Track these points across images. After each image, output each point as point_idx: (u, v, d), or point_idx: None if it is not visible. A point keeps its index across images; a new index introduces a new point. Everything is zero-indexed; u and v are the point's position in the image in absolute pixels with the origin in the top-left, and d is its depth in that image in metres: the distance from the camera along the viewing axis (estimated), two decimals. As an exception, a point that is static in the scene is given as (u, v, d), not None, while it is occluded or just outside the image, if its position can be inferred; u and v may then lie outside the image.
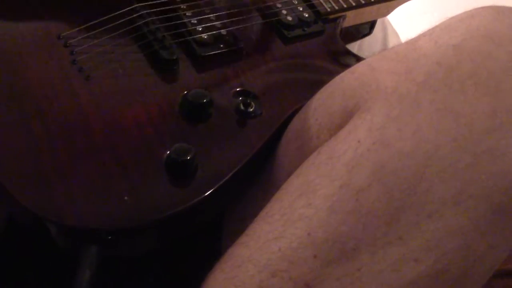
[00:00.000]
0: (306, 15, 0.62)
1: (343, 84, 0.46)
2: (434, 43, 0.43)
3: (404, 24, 0.95)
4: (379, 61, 0.45)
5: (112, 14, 0.55)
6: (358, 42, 0.76)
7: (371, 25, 0.72)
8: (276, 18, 0.61)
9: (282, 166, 0.49)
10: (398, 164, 0.40)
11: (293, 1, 0.64)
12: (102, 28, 0.54)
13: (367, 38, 0.74)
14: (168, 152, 0.47)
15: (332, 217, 0.40)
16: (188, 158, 0.47)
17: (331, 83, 0.48)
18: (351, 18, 0.67)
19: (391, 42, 0.82)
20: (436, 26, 0.45)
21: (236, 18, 0.60)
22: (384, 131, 0.41)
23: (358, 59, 0.62)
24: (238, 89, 0.54)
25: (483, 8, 0.45)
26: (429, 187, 0.39)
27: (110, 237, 0.45)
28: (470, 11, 0.45)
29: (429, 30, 0.46)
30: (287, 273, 0.41)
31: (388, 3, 0.69)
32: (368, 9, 0.67)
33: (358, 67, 0.47)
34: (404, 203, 0.39)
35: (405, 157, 0.39)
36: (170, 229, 0.49)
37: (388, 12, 0.73)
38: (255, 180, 0.53)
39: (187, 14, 0.58)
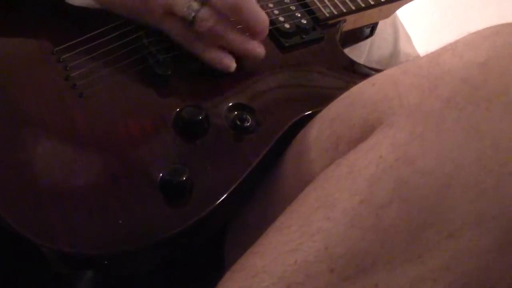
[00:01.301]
0: (305, 22, 0.60)
1: (363, 96, 0.46)
2: (459, 59, 0.43)
3: (404, 25, 0.94)
4: (402, 75, 0.44)
5: (105, 28, 0.54)
6: (368, 45, 0.75)
7: (372, 27, 0.71)
8: (274, 26, 0.59)
9: (294, 175, 0.49)
10: (420, 182, 0.39)
11: (291, 7, 0.62)
12: (96, 42, 0.53)
13: (376, 41, 0.73)
14: (162, 173, 0.46)
15: (351, 231, 0.40)
16: (183, 179, 0.46)
17: (349, 94, 0.48)
18: (351, 22, 0.66)
19: (402, 45, 0.81)
20: (458, 41, 0.45)
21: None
22: (408, 148, 0.40)
23: (359, 66, 0.61)
24: (233, 103, 0.53)
25: (506, 25, 0.45)
26: (451, 206, 0.39)
27: (106, 262, 0.45)
28: (494, 27, 0.45)
29: (451, 45, 0.45)
30: (303, 286, 0.40)
31: (389, 5, 0.68)
32: (368, 12, 0.66)
33: (378, 79, 0.46)
34: (425, 221, 0.39)
35: (428, 176, 0.39)
36: (167, 250, 0.48)
37: (389, 14, 0.72)
38: (259, 188, 0.52)
39: None
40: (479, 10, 1.32)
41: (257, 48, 0.56)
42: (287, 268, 0.41)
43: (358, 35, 0.71)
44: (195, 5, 0.52)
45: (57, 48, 0.52)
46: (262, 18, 0.54)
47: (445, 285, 0.39)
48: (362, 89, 0.46)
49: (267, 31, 0.56)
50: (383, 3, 0.66)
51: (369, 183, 0.40)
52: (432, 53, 0.45)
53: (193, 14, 0.52)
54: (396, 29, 0.80)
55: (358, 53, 0.74)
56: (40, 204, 0.44)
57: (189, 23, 0.53)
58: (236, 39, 0.54)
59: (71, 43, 0.53)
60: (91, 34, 0.53)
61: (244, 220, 0.54)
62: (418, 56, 0.46)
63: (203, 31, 0.53)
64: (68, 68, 0.51)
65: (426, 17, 1.36)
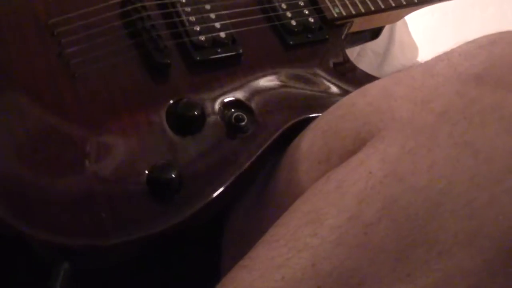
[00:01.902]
0: (312, 20, 0.59)
1: (355, 108, 0.44)
2: (453, 71, 0.41)
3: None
4: (394, 86, 0.43)
5: (107, 3, 0.51)
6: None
7: (378, 30, 0.70)
8: (280, 22, 0.58)
9: (287, 186, 0.48)
10: (411, 199, 0.38)
11: (300, 2, 0.60)
12: (95, 19, 0.50)
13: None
14: (151, 168, 0.45)
15: (339, 249, 0.39)
16: (171, 177, 0.45)
17: (341, 105, 0.46)
18: (358, 24, 0.64)
19: (398, 34, 0.80)
20: (454, 51, 0.44)
21: (238, 19, 0.56)
22: (398, 164, 0.39)
23: (360, 71, 0.59)
24: (231, 99, 0.51)
25: (504, 33, 0.43)
26: (441, 225, 0.38)
27: (82, 254, 0.44)
28: (491, 36, 0.43)
29: (446, 55, 0.44)
30: None
31: (399, 11, 0.67)
32: (377, 15, 0.65)
33: (370, 90, 0.45)
34: (414, 240, 0.38)
35: (418, 193, 0.38)
36: (147, 244, 0.47)
37: (398, 19, 0.71)
38: (257, 196, 0.51)
39: (185, 10, 0.54)
40: (479, 10, 1.31)
41: None
42: (274, 285, 0.40)
43: (363, 37, 0.70)
44: None
45: (53, 20, 0.49)
46: None
47: None
48: (354, 100, 0.45)
49: None
50: (393, 8, 0.65)
51: (357, 200, 0.39)
52: (426, 63, 0.44)
53: None
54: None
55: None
56: (20, 188, 0.43)
57: None
58: None
59: (68, 16, 0.50)
60: (91, 8, 0.51)
61: (239, 228, 0.53)
62: (412, 66, 0.45)
63: None
64: (62, 44, 0.49)
65: (426, 17, 1.35)
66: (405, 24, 0.84)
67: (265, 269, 0.41)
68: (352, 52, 0.76)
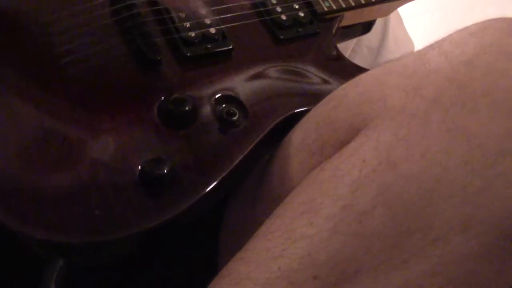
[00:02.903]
0: (302, 15, 0.59)
1: (347, 99, 0.44)
2: (444, 58, 0.41)
3: (404, 24, 0.93)
4: (386, 75, 0.43)
5: (98, 1, 0.52)
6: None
7: (369, 24, 0.70)
8: (270, 16, 0.58)
9: (282, 180, 0.48)
10: (405, 186, 0.38)
11: None
12: (86, 17, 0.51)
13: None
14: (143, 164, 0.45)
15: (334, 238, 0.39)
16: (163, 172, 0.44)
17: (333, 96, 0.46)
18: (349, 18, 0.64)
19: (392, 29, 0.80)
20: (445, 39, 0.44)
21: (228, 15, 0.57)
22: (391, 151, 0.39)
23: (351, 64, 0.59)
24: (222, 94, 0.51)
25: (495, 20, 0.43)
26: (436, 211, 0.37)
27: (77, 251, 0.44)
28: (481, 23, 0.43)
29: (437, 43, 0.44)
30: None
31: (389, 4, 0.67)
32: (367, 9, 0.65)
33: (362, 80, 0.45)
34: (410, 227, 0.38)
35: (412, 180, 0.38)
36: (141, 240, 0.47)
37: (388, 12, 0.70)
38: (253, 192, 0.51)
39: (176, 6, 0.54)
40: (479, 10, 1.31)
41: None
42: (270, 275, 0.40)
43: (353, 32, 0.69)
44: None
45: (43, 19, 0.50)
46: None
47: None
48: (347, 91, 0.45)
49: None
50: (383, 1, 0.65)
51: (351, 188, 0.39)
52: (418, 51, 0.44)
53: None
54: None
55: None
56: (12, 185, 0.43)
57: None
58: None
59: (59, 14, 0.50)
60: (81, 7, 0.51)
61: (235, 222, 0.53)
62: (404, 54, 0.45)
63: None
64: (54, 42, 0.49)
65: (426, 17, 1.35)
66: (400, 20, 0.84)
67: (261, 260, 0.41)
68: (347, 48, 0.76)
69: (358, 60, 0.75)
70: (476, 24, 0.43)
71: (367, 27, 0.69)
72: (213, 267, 0.52)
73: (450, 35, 0.43)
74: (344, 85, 0.46)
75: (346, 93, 0.45)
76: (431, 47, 0.44)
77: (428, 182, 0.38)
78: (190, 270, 0.56)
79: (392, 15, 0.79)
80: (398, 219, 0.38)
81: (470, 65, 0.40)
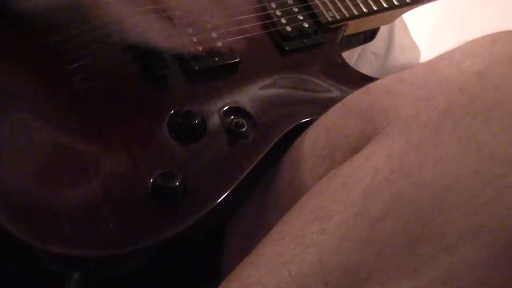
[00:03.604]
0: (306, 25, 0.60)
1: (359, 106, 0.45)
2: (456, 69, 0.42)
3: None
4: (397, 85, 0.44)
5: (104, 21, 0.52)
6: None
7: (373, 32, 0.71)
8: (275, 28, 0.59)
9: (291, 185, 0.48)
10: (417, 195, 0.38)
11: (294, 9, 0.61)
12: (95, 34, 0.52)
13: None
14: (155, 177, 0.46)
15: (345, 244, 0.39)
16: (175, 185, 0.45)
17: (345, 103, 0.47)
18: (353, 27, 0.65)
19: (398, 36, 0.80)
20: (455, 50, 0.44)
21: (234, 28, 0.57)
22: (404, 159, 0.39)
23: (357, 73, 0.60)
24: (230, 107, 0.52)
25: (504, 33, 0.44)
26: (447, 220, 0.38)
27: (92, 265, 0.44)
28: (492, 35, 0.44)
29: (447, 54, 0.44)
30: None
31: (392, 11, 0.68)
32: (371, 17, 0.66)
33: (373, 89, 0.45)
34: (421, 235, 0.38)
35: (424, 188, 0.38)
36: (155, 252, 0.47)
37: (391, 20, 0.71)
38: (261, 196, 0.51)
39: (182, 22, 0.55)
40: (479, 10, 1.31)
41: None
42: (280, 280, 0.40)
43: (358, 40, 0.70)
44: None
45: (55, 40, 0.51)
46: None
47: None
48: (358, 99, 0.46)
49: None
50: (386, 9, 0.65)
51: (364, 196, 0.40)
52: (428, 61, 0.45)
53: None
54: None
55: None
56: (28, 202, 0.43)
57: None
58: None
59: (69, 34, 0.51)
60: (91, 25, 0.52)
61: (241, 227, 0.53)
62: (414, 65, 0.45)
63: None
64: (64, 61, 0.50)
65: (426, 17, 1.35)
66: (405, 27, 0.84)
67: (271, 265, 0.41)
68: (353, 55, 0.76)
69: (364, 67, 0.76)
70: (486, 36, 0.44)
71: (371, 35, 0.70)
72: (216, 270, 0.53)
73: (461, 46, 0.44)
74: (356, 93, 0.47)
75: (358, 101, 0.45)
76: (441, 57, 0.44)
77: (440, 191, 0.38)
78: (193, 273, 0.57)
79: (397, 22, 0.79)
80: (409, 227, 0.38)
81: (482, 76, 0.40)
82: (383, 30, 0.77)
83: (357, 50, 0.75)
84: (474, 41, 0.44)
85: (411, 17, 0.98)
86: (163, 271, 0.54)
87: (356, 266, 0.39)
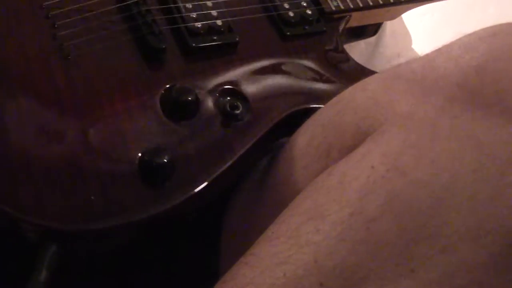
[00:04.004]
0: (309, 12, 0.59)
1: (354, 102, 0.44)
2: (454, 63, 0.41)
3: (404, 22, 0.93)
4: (394, 80, 0.43)
5: None
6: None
7: (377, 27, 0.70)
8: (277, 12, 0.58)
9: (286, 183, 0.47)
10: (413, 194, 0.38)
11: None
12: (90, 2, 0.50)
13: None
14: (143, 152, 0.44)
15: (341, 245, 0.39)
16: (163, 161, 0.44)
17: (340, 99, 0.46)
18: (357, 19, 0.64)
19: (389, 23, 0.79)
20: (454, 43, 0.43)
21: (235, 8, 0.56)
22: (400, 158, 0.38)
23: (357, 65, 0.59)
24: (227, 87, 0.51)
25: (505, 25, 0.43)
26: (445, 220, 0.37)
27: (72, 238, 0.43)
28: (491, 28, 0.43)
29: (445, 47, 0.43)
30: None
31: (397, 7, 0.67)
32: (375, 11, 0.65)
33: (369, 84, 0.45)
34: (418, 235, 0.37)
35: (421, 187, 0.37)
36: (138, 230, 0.46)
37: (396, 16, 0.70)
38: (255, 194, 0.51)
39: None
40: (479, 10, 1.30)
41: None
42: (275, 281, 0.40)
43: (361, 33, 0.69)
44: None
45: (47, 3, 0.49)
46: None
47: None
48: (354, 94, 0.45)
49: None
50: (392, 4, 0.65)
51: (359, 195, 0.39)
52: (426, 55, 0.44)
53: None
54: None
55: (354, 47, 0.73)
56: (11, 171, 0.42)
57: None
58: None
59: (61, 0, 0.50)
60: None
61: (237, 225, 0.53)
62: (412, 58, 0.44)
63: None
64: (56, 26, 0.48)
65: (426, 17, 1.34)
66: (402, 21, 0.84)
67: (266, 265, 0.40)
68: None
69: (355, 54, 0.75)
70: (485, 29, 0.43)
71: (373, 30, 0.69)
72: (214, 270, 0.52)
73: (459, 39, 0.43)
74: (351, 88, 0.46)
75: (353, 97, 0.45)
76: (439, 51, 0.43)
77: (437, 190, 0.37)
78: (190, 272, 0.56)
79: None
80: (406, 227, 0.37)
81: (480, 71, 0.39)
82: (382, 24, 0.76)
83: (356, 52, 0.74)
84: (473, 34, 0.43)
85: (411, 17, 0.98)
86: (161, 268, 0.53)
87: (352, 266, 0.38)
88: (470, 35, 0.43)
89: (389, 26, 0.81)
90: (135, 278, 0.53)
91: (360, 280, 0.38)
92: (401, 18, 0.86)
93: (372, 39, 0.80)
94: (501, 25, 0.43)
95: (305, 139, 0.47)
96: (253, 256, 0.42)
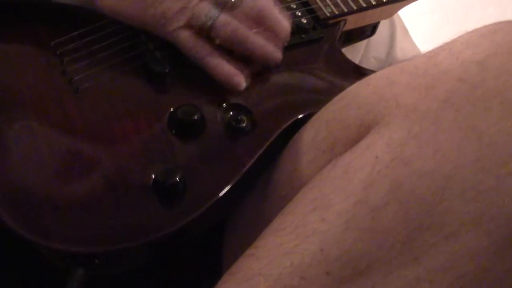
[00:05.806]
0: (305, 21, 0.59)
1: (358, 97, 0.45)
2: (456, 59, 0.42)
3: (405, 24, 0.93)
4: (397, 75, 0.44)
5: (103, 22, 0.53)
6: (364, 42, 0.74)
7: (374, 26, 0.71)
8: None
9: (291, 177, 0.48)
10: (417, 183, 0.39)
11: (291, 5, 0.61)
12: (93, 37, 0.52)
13: (373, 37, 0.72)
14: (156, 174, 0.46)
15: (347, 233, 0.39)
16: (176, 180, 0.46)
17: (345, 95, 0.47)
18: (352, 22, 0.65)
19: (399, 40, 0.81)
20: (455, 40, 0.44)
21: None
22: (404, 148, 0.40)
23: (356, 67, 0.60)
24: (230, 102, 0.52)
25: (505, 22, 0.44)
26: (448, 208, 0.38)
27: (96, 260, 0.45)
28: (492, 25, 0.44)
29: (447, 44, 0.44)
30: None
31: (391, 6, 0.68)
32: (370, 12, 0.65)
33: (373, 79, 0.46)
34: (421, 223, 0.38)
35: (425, 177, 0.38)
36: (158, 249, 0.48)
37: (391, 14, 0.71)
38: (256, 188, 0.52)
39: None
40: (479, 10, 1.31)
41: (276, 52, 0.54)
42: (282, 271, 0.40)
43: (358, 35, 0.70)
44: (214, 11, 0.51)
45: (55, 42, 0.52)
46: (285, 25, 0.54)
47: (441, 287, 0.38)
48: (358, 90, 0.46)
49: (288, 38, 0.55)
50: (385, 4, 0.65)
51: (364, 185, 0.40)
52: (429, 52, 0.45)
53: (211, 21, 0.51)
54: (393, 23, 0.79)
55: (355, 49, 0.73)
56: (33, 200, 0.44)
57: (208, 29, 0.51)
58: (257, 42, 0.53)
59: (68, 36, 0.52)
60: (89, 28, 0.53)
61: (241, 221, 0.53)
62: (415, 55, 0.45)
63: (222, 37, 0.51)
64: (65, 62, 0.51)
65: (426, 17, 1.35)
66: (406, 31, 0.84)
67: (273, 256, 0.41)
68: (354, 59, 0.76)
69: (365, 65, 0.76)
70: (486, 26, 0.44)
71: (371, 30, 0.69)
72: (216, 267, 0.53)
73: (461, 36, 0.44)
74: (355, 85, 0.47)
75: (357, 92, 0.46)
76: (441, 48, 0.44)
77: (440, 179, 0.38)
78: (193, 269, 0.57)
79: (398, 26, 0.79)
80: (410, 215, 0.38)
81: (482, 66, 0.40)
82: (384, 34, 0.77)
83: (359, 54, 0.75)
84: (475, 31, 0.44)
85: (411, 17, 0.98)
86: (164, 267, 0.54)
87: (357, 255, 0.39)
88: (471, 32, 0.44)
89: (398, 43, 0.81)
90: (136, 275, 0.54)
91: (365, 268, 0.39)
92: (408, 34, 0.86)
93: (382, 56, 0.80)
94: (501, 22, 0.44)
95: (310, 135, 0.48)
96: (259, 248, 0.43)
